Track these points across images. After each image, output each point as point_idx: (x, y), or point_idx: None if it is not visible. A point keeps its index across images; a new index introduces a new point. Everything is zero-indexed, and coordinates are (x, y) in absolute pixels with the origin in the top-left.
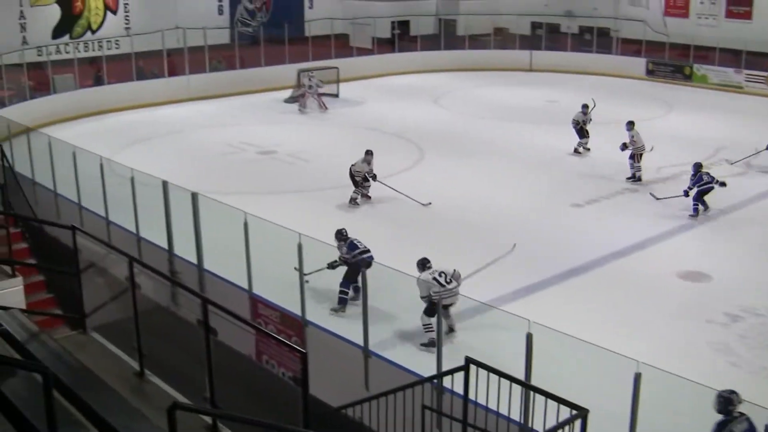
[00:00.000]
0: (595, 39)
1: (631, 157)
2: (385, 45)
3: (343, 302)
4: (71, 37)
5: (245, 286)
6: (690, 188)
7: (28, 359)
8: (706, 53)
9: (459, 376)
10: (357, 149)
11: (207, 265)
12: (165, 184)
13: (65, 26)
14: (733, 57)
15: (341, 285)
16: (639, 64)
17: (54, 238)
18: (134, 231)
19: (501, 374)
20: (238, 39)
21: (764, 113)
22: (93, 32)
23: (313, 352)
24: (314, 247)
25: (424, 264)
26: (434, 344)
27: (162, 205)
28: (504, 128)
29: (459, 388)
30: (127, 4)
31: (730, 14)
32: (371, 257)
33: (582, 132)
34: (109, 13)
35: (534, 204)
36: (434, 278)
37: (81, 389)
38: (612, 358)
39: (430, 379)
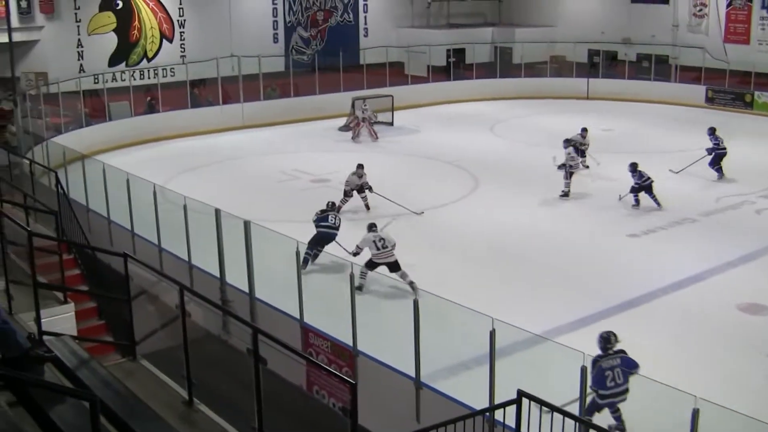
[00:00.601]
0: (653, 66)
1: (566, 175)
2: (440, 73)
3: (304, 262)
4: (127, 65)
5: (296, 315)
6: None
7: (78, 386)
8: (767, 80)
9: (511, 410)
10: (411, 178)
11: (258, 294)
12: (217, 211)
13: (122, 54)
14: None
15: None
16: (698, 91)
17: (106, 265)
18: (186, 259)
19: (554, 408)
20: (293, 67)
21: None
22: (149, 60)
23: (363, 383)
24: (369, 279)
25: (370, 227)
26: (361, 288)
27: (214, 232)
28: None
29: (511, 422)
30: (183, 32)
31: None
32: (328, 234)
33: (581, 151)
34: (165, 41)
35: (590, 233)
36: (374, 241)
37: (129, 417)
38: (669, 393)
39: (482, 412)
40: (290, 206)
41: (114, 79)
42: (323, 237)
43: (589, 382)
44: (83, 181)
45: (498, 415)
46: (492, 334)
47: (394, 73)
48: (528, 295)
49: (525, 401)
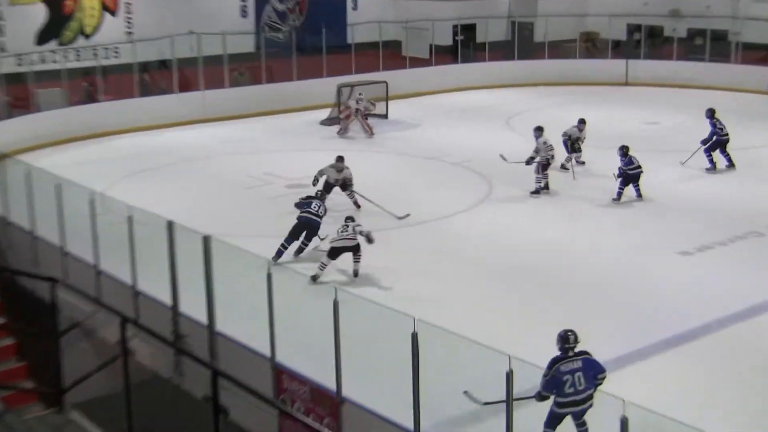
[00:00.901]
0: (709, 44)
1: (539, 169)
2: (445, 54)
3: (278, 254)
4: (60, 44)
5: (267, 352)
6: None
7: None
8: None
9: None
10: (411, 183)
11: (220, 327)
12: (170, 224)
13: (52, 30)
14: None
15: (284, 239)
16: (764, 75)
17: (29, 291)
18: (130, 283)
19: None
20: (265, 47)
21: None
22: (87, 37)
23: None
24: (355, 305)
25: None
26: (315, 280)
27: (167, 250)
28: (592, 157)
29: None
30: (129, 3)
31: None
32: (309, 221)
33: (572, 147)
34: (107, 15)
35: (632, 251)
36: (338, 230)
37: None
38: None
39: None
40: (261, 218)
41: (43, 60)
42: (304, 225)
43: (539, 387)
44: (3, 187)
45: None
46: (509, 376)
47: (390, 54)
48: (555, 325)
49: None
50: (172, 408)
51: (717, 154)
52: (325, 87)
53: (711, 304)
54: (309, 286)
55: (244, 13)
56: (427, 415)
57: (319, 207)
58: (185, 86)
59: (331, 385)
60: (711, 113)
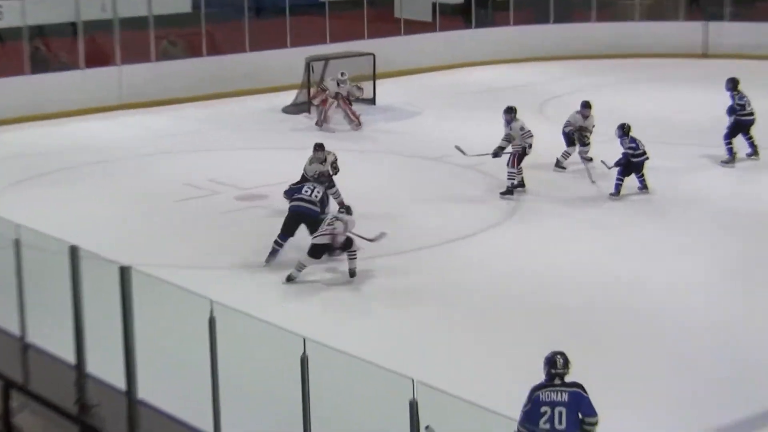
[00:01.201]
0: None
1: (513, 161)
2: (455, 16)
3: (272, 254)
4: None
5: (210, 429)
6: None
7: None
8: None
9: None
10: (410, 192)
11: (143, 393)
12: (74, 250)
13: None
14: None
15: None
16: None
17: None
18: (17, 332)
19: None
20: (206, 6)
21: None
22: None
23: None
24: (329, 358)
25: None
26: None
27: (69, 285)
28: (657, 158)
29: None
30: None
31: None
32: (300, 209)
33: (573, 139)
34: None
35: (710, 287)
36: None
37: None
38: None
39: None
40: (202, 241)
41: None
42: (296, 215)
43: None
44: None
45: None
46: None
47: (378, 16)
48: (600, 384)
49: None
50: None
51: (739, 140)
52: (290, 60)
53: None
54: (269, 337)
55: None
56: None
57: (313, 190)
58: (95, 60)
59: None
60: (732, 84)
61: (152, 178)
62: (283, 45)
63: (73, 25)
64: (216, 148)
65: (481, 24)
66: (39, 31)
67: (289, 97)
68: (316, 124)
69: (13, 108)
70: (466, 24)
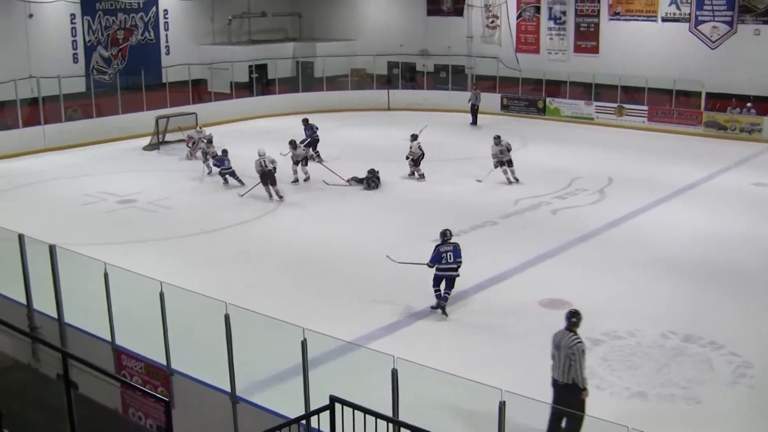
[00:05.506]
0: (451, 77)
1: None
2: (243, 89)
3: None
4: None
5: (108, 337)
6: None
7: None
8: (557, 87)
9: (326, 416)
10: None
11: (68, 319)
12: (21, 237)
13: None
14: (583, 90)
15: None
16: (494, 99)
17: None
18: None
19: (366, 411)
20: (94, 87)
21: (614, 143)
22: None
23: (180, 402)
24: (178, 295)
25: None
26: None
27: (19, 259)
28: (363, 167)
29: (326, 427)
30: None
31: (578, 49)
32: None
33: (501, 162)
34: None
35: (389, 238)
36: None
37: None
38: (477, 389)
39: (297, 420)
40: (97, 229)
41: None
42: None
43: (428, 260)
44: None
45: (313, 422)
46: (303, 343)
47: (198, 90)
48: (339, 305)
49: (338, 406)
50: (31, 387)
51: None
52: (146, 118)
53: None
54: (139, 284)
55: (75, 59)
56: (241, 379)
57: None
58: (28, 122)
59: (163, 360)
60: (305, 121)
61: (64, 192)
62: (141, 109)
63: (14, 101)
64: (103, 173)
65: (259, 93)
66: None
67: (146, 141)
68: (187, 157)
69: None
70: (251, 93)
